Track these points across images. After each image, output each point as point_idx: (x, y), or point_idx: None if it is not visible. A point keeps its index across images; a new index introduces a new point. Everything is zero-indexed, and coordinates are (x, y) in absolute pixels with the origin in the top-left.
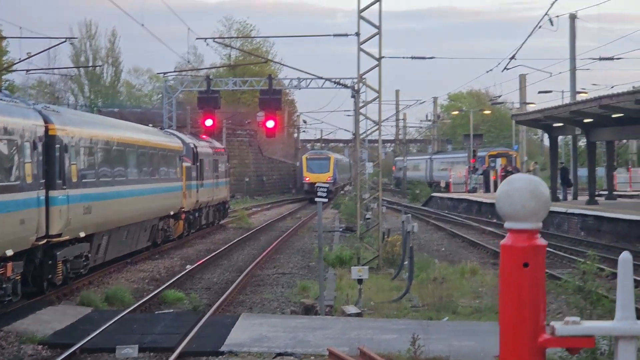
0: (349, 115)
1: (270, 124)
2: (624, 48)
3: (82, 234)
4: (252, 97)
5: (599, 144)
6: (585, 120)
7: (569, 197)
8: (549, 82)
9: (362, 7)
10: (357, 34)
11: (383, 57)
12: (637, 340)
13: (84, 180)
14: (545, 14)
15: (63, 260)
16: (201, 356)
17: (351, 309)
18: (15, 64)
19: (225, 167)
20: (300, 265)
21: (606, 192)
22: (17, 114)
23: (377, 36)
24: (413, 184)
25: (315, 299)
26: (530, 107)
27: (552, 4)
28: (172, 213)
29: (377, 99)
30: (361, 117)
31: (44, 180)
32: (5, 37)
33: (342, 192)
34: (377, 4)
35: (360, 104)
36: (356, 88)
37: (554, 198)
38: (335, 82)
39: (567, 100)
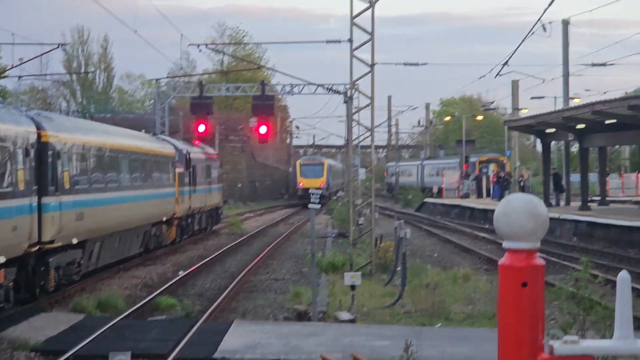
0: (341, 121)
1: (262, 129)
2: (617, 53)
3: (75, 241)
4: (245, 102)
5: (591, 149)
6: (578, 126)
7: (562, 203)
8: (541, 87)
9: (354, 13)
10: (350, 41)
11: (376, 63)
12: None
13: (76, 187)
14: (538, 20)
15: (55, 267)
16: None
17: (344, 315)
18: (7, 70)
19: (218, 173)
20: (293, 271)
21: (599, 198)
22: (10, 121)
23: (370, 42)
24: (405, 189)
25: (308, 305)
26: (523, 113)
27: (545, 10)
28: (164, 219)
29: (370, 105)
30: (354, 123)
31: (36, 187)
32: None
33: (334, 197)
34: (370, 10)
35: (353, 110)
36: (349, 94)
37: (547, 204)
38: (327, 89)
39: (559, 106)
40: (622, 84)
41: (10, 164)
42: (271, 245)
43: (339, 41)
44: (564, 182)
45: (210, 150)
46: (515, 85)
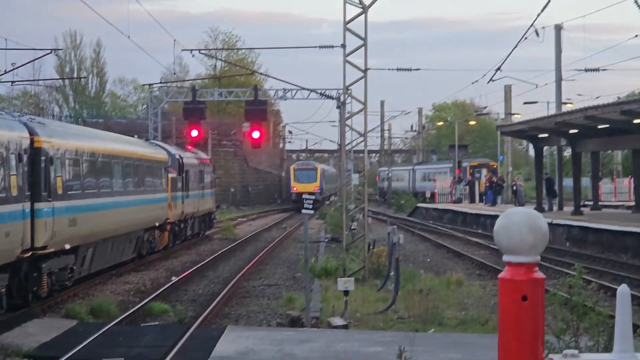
0: (334, 126)
1: (255, 134)
2: (609, 58)
3: (68, 246)
4: (238, 107)
5: (584, 154)
6: (571, 131)
7: (555, 208)
8: (534, 92)
9: (347, 18)
10: (343, 46)
11: (369, 68)
12: None
13: (69, 192)
14: (531, 25)
15: (48, 273)
16: None
17: (337, 320)
18: (0, 75)
19: (211, 178)
20: (286, 276)
21: (591, 203)
22: (3, 126)
23: (363, 48)
24: (398, 194)
25: (301, 310)
26: (516, 118)
27: (538, 15)
28: (157, 224)
29: (363, 111)
30: (346, 128)
31: (29, 193)
32: None
33: (327, 202)
34: (363, 15)
35: (346, 115)
36: (342, 100)
37: (540, 209)
38: (320, 94)
39: (552, 111)
40: (615, 89)
41: (3, 169)
42: (264, 251)
43: (332, 46)
44: (556, 187)
45: (203, 155)
46: (508, 90)
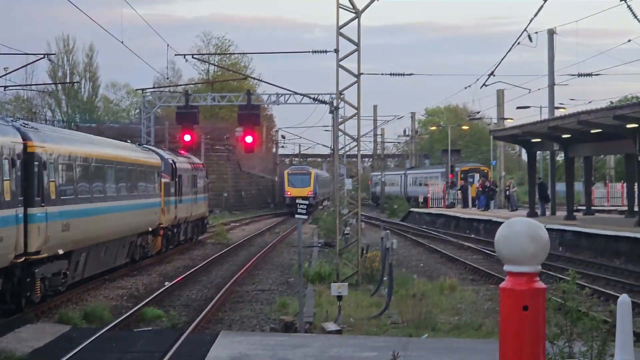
0: (327, 131)
1: (248, 139)
2: (602, 63)
3: (61, 251)
4: (231, 112)
5: (576, 158)
6: (564, 136)
7: (547, 213)
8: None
9: (340, 23)
10: (336, 51)
11: (362, 73)
12: None
13: (62, 197)
14: (524, 29)
15: (41, 278)
16: None
17: (331, 326)
18: None
19: (204, 183)
20: (279, 281)
21: (584, 208)
22: None
23: (356, 52)
24: (391, 199)
25: (294, 315)
26: (509, 123)
27: (531, 20)
28: (150, 229)
29: (356, 115)
30: (340, 133)
31: (22, 198)
32: None
33: (320, 207)
34: (356, 20)
35: (339, 120)
36: (335, 104)
37: (532, 213)
38: (313, 99)
39: (545, 116)
40: (608, 94)
41: None
42: (257, 255)
43: (325, 51)
44: (549, 192)
45: (196, 159)
46: (500, 95)
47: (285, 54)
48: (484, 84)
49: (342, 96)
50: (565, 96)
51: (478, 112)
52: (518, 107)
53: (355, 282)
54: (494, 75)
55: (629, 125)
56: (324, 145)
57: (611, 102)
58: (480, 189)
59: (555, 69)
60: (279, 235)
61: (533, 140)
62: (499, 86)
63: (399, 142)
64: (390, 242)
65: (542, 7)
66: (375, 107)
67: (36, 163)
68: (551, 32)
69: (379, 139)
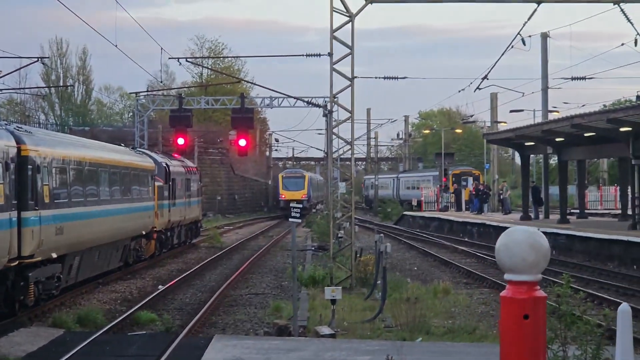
0: (320, 134)
1: (242, 142)
2: (596, 66)
3: (54, 255)
4: (224, 115)
5: (570, 162)
6: (557, 139)
7: (541, 216)
8: (521, 101)
9: (334, 27)
10: (330, 54)
11: (356, 77)
12: None
13: (56, 201)
14: (518, 33)
15: (35, 282)
16: None
17: (325, 329)
18: None
19: (198, 186)
20: (273, 285)
21: (577, 211)
22: None
23: (350, 56)
24: (384, 202)
25: (288, 319)
26: (502, 126)
27: (525, 23)
28: (144, 233)
29: (350, 119)
30: (333, 136)
31: (16, 201)
32: None
33: (314, 210)
34: (350, 23)
35: (333, 124)
36: (329, 108)
37: (526, 217)
38: (307, 102)
39: (538, 119)
40: (601, 97)
41: None
42: (251, 259)
43: (319, 55)
44: (542, 195)
45: (189, 163)
46: (494, 98)
47: (279, 57)
48: (477, 88)
49: (335, 99)
50: (559, 100)
51: (471, 116)
52: (511, 111)
53: (349, 286)
54: (488, 79)
55: (622, 129)
56: (317, 149)
57: (604, 106)
58: (474, 192)
59: (549, 73)
60: (273, 239)
61: (526, 144)
62: (492, 89)
63: (392, 146)
64: (384, 245)
65: (535, 10)
66: (368, 110)
67: (30, 167)
68: (545, 36)
69: (372, 142)
